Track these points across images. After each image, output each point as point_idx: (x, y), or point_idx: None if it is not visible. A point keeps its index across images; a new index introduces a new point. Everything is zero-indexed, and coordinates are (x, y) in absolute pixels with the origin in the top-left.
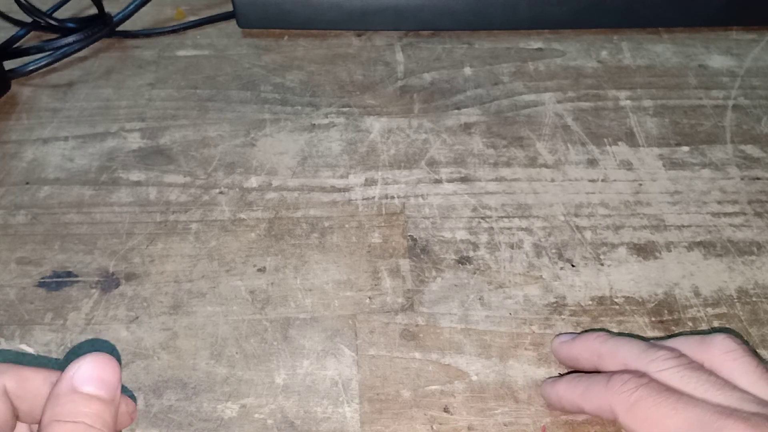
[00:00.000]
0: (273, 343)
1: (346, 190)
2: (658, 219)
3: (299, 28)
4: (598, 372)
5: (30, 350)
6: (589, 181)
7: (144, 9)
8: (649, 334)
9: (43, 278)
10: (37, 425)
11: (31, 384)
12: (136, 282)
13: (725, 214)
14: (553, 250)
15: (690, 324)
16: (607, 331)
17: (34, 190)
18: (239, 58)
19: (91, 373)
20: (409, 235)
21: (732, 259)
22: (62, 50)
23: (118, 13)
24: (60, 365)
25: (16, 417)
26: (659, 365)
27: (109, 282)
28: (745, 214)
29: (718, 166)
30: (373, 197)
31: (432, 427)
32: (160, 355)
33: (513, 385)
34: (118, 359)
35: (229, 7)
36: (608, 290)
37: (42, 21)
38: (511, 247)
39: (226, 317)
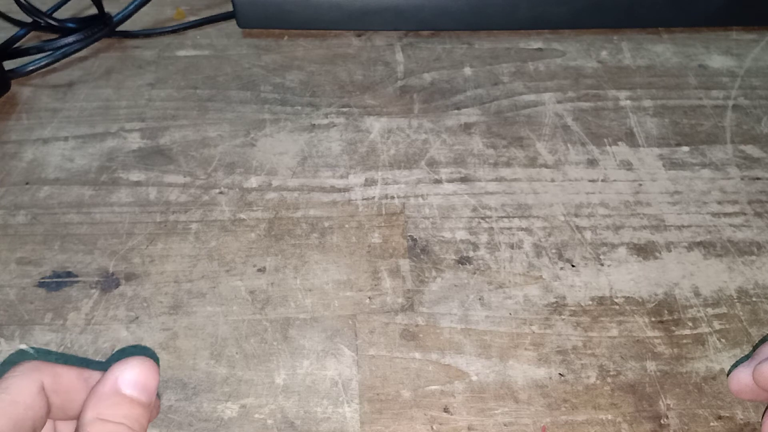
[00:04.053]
0: (273, 343)
1: (346, 190)
2: (658, 219)
3: (299, 28)
4: None
5: (30, 350)
6: (589, 181)
7: (144, 9)
8: (649, 334)
9: (43, 278)
10: (62, 421)
11: (65, 380)
12: (136, 282)
13: (725, 214)
14: (553, 250)
15: (690, 324)
16: None
17: (34, 190)
18: (239, 58)
19: (135, 378)
20: (409, 235)
21: (732, 259)
22: (62, 50)
23: (118, 13)
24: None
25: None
26: None
27: (109, 282)
28: (745, 214)
29: (718, 166)
30: (373, 197)
31: (432, 427)
32: (160, 355)
33: (513, 385)
34: (157, 364)
35: (229, 7)
36: (608, 290)
37: (42, 21)
38: (511, 247)
39: (226, 317)
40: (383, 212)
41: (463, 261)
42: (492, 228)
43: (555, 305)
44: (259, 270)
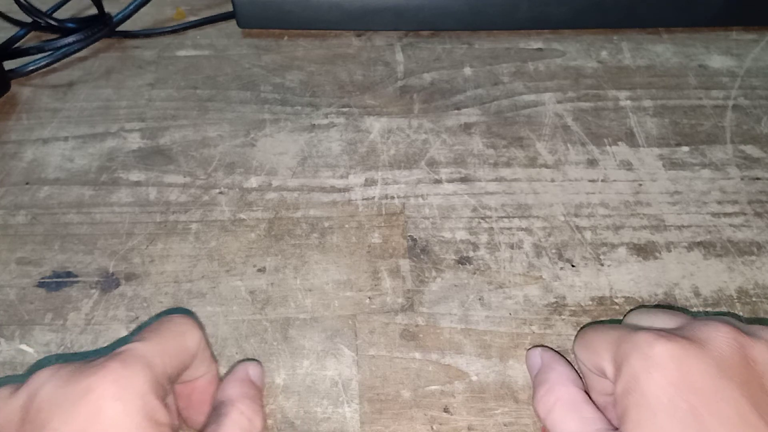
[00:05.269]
0: (273, 343)
1: (346, 190)
2: (658, 219)
3: (299, 28)
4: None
5: (30, 350)
6: (589, 181)
7: (144, 9)
8: None
9: (43, 278)
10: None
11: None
12: (136, 282)
13: (725, 214)
14: (553, 250)
15: None
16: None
17: (34, 190)
18: (239, 58)
19: (258, 372)
20: (409, 236)
21: (732, 259)
22: (62, 50)
23: (118, 13)
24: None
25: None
26: None
27: (109, 282)
28: (745, 214)
29: (718, 166)
30: (373, 197)
31: (432, 428)
32: None
33: (513, 385)
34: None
35: (229, 7)
36: (608, 290)
37: (42, 21)
38: (511, 247)
39: (226, 317)
40: (383, 212)
41: (463, 261)
42: (492, 228)
43: (555, 305)
44: (259, 270)
